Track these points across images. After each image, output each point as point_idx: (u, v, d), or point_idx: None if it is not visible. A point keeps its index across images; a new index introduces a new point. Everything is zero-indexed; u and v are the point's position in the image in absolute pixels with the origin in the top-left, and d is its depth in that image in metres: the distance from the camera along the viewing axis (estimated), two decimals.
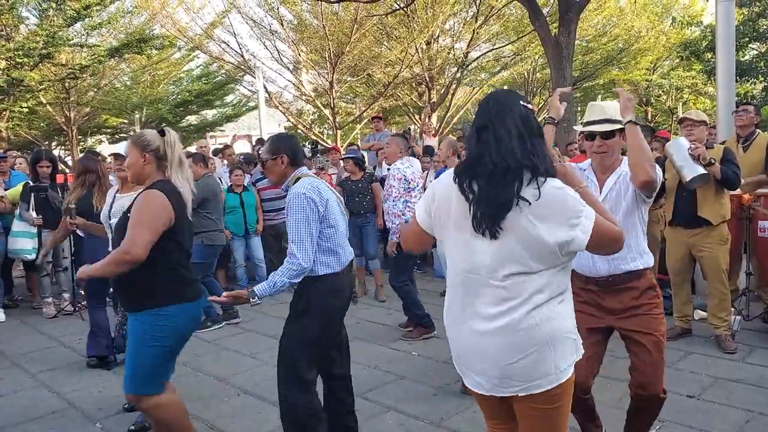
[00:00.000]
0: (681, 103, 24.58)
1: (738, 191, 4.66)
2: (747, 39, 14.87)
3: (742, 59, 14.46)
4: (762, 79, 15.01)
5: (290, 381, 2.70)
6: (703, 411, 3.35)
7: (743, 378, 3.80)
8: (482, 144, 1.78)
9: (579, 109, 22.42)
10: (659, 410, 2.67)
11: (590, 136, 2.56)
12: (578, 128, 2.58)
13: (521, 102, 1.82)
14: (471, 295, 1.82)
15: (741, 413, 3.31)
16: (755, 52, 16.24)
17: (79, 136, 18.60)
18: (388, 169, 5.41)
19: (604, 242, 1.78)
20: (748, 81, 15.08)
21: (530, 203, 1.70)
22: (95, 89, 17.11)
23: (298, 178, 2.78)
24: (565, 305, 1.83)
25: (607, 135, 2.53)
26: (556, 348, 1.77)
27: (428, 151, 7.37)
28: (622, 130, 2.51)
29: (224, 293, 2.66)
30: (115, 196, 3.85)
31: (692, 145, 3.98)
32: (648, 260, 2.58)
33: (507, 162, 1.72)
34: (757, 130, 5.12)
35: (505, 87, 18.81)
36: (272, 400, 3.79)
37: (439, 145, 8.46)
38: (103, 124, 19.38)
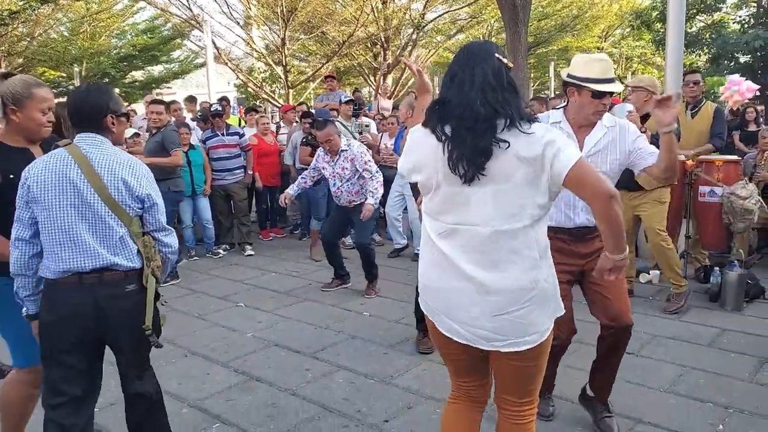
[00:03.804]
0: (630, 72, 25.16)
1: (682, 157, 4.80)
2: (695, 11, 15.22)
3: (689, 30, 14.81)
4: (707, 50, 15.45)
5: None
6: (640, 367, 3.51)
7: (678, 335, 3.99)
8: (450, 89, 1.78)
9: (531, 75, 22.62)
10: (626, 345, 2.74)
11: (598, 95, 2.48)
12: (597, 87, 2.45)
13: (496, 54, 1.79)
14: (463, 247, 1.78)
15: (675, 368, 3.49)
16: (701, 24, 16.67)
17: None
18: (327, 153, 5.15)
19: (584, 185, 1.71)
20: (693, 52, 15.50)
21: (514, 143, 1.69)
22: (28, 38, 16.06)
23: (67, 145, 2.21)
24: (550, 263, 1.84)
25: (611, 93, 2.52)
26: (543, 307, 1.79)
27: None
28: None
29: None
30: None
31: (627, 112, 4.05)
32: None
33: (474, 108, 1.71)
34: (704, 99, 5.28)
35: None
36: (221, 360, 3.76)
37: (395, 107, 8.37)
38: (40, 77, 18.30)
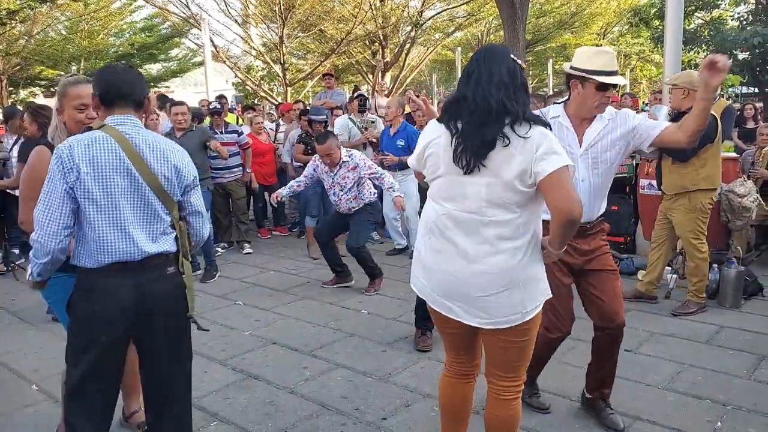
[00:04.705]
0: (629, 70, 25.16)
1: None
2: (693, 7, 15.22)
3: (687, 27, 14.81)
4: (705, 47, 15.44)
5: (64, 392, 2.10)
6: (638, 364, 3.51)
7: (676, 333, 3.99)
8: (467, 86, 1.94)
9: (530, 73, 22.61)
10: (620, 343, 2.74)
11: (603, 87, 2.49)
12: (603, 79, 2.45)
13: (512, 56, 1.96)
14: (458, 231, 1.96)
15: (673, 365, 3.48)
16: (700, 21, 16.67)
17: (11, 88, 17.49)
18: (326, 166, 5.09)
19: (557, 194, 1.85)
20: (692, 49, 15.50)
21: (513, 142, 1.85)
22: (26, 37, 16.02)
23: (101, 127, 2.04)
24: (537, 250, 2.00)
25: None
26: (526, 289, 1.95)
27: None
28: None
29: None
30: None
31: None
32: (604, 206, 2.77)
33: (487, 103, 1.87)
34: (718, 96, 5.23)
35: (459, 48, 18.82)
36: (219, 359, 3.75)
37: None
38: (38, 76, 18.26)
